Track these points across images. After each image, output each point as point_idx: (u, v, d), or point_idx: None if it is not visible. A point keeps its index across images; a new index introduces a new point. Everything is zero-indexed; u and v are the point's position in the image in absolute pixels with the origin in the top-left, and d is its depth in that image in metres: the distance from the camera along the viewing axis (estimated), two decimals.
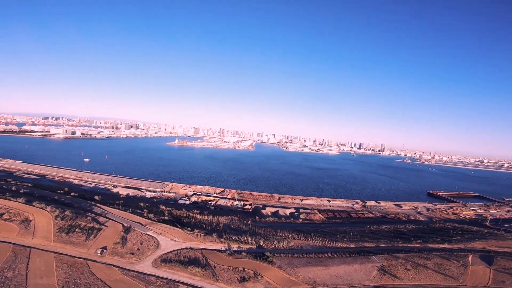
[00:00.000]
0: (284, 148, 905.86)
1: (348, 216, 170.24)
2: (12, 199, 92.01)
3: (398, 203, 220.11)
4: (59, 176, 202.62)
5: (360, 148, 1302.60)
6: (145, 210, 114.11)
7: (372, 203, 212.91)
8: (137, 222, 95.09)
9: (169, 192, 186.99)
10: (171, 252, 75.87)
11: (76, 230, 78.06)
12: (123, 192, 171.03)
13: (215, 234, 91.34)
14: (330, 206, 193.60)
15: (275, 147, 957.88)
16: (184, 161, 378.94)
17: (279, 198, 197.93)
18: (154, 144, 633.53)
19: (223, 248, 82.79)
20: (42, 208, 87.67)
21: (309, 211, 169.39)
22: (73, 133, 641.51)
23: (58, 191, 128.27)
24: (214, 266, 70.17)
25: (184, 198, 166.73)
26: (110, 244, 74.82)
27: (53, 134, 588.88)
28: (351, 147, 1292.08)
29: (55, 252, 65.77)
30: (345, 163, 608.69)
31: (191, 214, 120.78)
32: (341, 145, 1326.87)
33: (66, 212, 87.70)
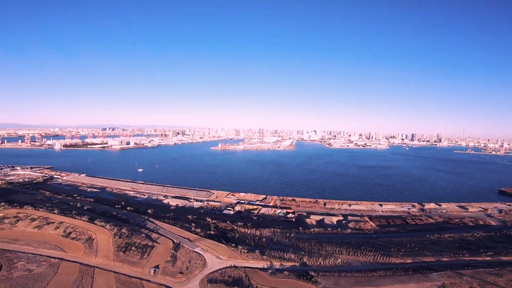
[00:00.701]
0: (327, 145, 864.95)
1: (404, 222, 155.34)
2: (77, 217, 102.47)
3: (463, 204, 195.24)
4: (117, 189, 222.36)
5: (412, 140, 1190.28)
6: (192, 224, 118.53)
7: (432, 205, 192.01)
8: (186, 238, 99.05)
9: (214, 201, 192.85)
10: (217, 271, 77.11)
11: (132, 248, 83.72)
12: (173, 202, 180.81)
13: (258, 250, 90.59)
14: (382, 211, 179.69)
15: (317, 145, 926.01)
16: (227, 166, 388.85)
17: (325, 204, 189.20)
18: (199, 150, 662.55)
19: (266, 266, 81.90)
20: (102, 226, 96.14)
21: (358, 218, 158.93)
22: (128, 143, 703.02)
23: (116, 206, 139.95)
24: (256, 287, 69.49)
25: (229, 208, 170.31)
26: (162, 263, 78.59)
27: (111, 146, 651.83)
28: (402, 139, 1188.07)
29: (114, 272, 71.26)
30: (396, 158, 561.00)
31: (235, 227, 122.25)
32: (391, 137, 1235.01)
33: (123, 230, 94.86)
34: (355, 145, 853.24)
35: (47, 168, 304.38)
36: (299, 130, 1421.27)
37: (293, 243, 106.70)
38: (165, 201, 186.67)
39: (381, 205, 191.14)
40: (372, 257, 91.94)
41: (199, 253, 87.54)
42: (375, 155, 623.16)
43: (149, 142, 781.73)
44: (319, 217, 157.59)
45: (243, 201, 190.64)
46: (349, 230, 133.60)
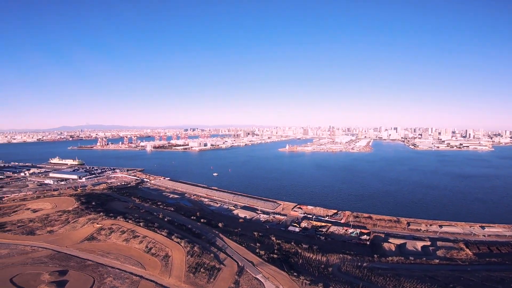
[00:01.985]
0: (412, 146, 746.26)
1: None
2: (158, 231, 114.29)
3: None
4: (194, 195, 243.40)
5: None
6: (257, 244, 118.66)
7: None
8: (250, 261, 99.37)
9: (280, 214, 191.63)
10: None
11: (201, 270, 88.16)
12: (242, 214, 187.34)
13: (321, 284, 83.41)
14: (484, 235, 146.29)
15: (399, 145, 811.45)
16: (294, 172, 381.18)
17: (408, 224, 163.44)
18: (267, 151, 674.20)
19: None
20: (178, 243, 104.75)
21: (450, 244, 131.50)
22: (205, 145, 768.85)
23: (192, 217, 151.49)
24: None
25: (294, 224, 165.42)
26: None
27: (191, 147, 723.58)
28: None
29: None
30: (506, 165, 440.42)
31: (299, 250, 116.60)
32: (495, 135, 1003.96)
33: (195, 248, 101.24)
34: (447, 146, 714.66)
35: (139, 171, 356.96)
36: (376, 128, 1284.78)
37: (364, 275, 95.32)
38: (235, 211, 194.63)
39: (483, 227, 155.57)
40: None
41: (260, 280, 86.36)
42: (475, 159, 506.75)
43: (223, 143, 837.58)
44: (400, 241, 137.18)
45: (311, 216, 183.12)
46: (437, 261, 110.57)
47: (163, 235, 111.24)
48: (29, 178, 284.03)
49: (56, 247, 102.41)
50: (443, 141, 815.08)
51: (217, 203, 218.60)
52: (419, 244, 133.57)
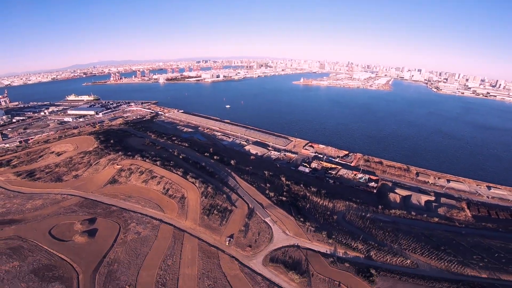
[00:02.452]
0: (435, 89, 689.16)
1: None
2: (174, 170, 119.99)
3: None
4: (207, 128, 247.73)
5: None
6: (267, 184, 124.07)
7: None
8: (259, 203, 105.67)
9: (291, 151, 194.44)
10: (280, 249, 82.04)
11: (214, 212, 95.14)
12: (253, 150, 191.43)
13: (325, 232, 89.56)
14: (488, 196, 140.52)
15: (421, 87, 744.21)
16: (307, 106, 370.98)
17: (417, 174, 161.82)
18: (280, 84, 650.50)
19: (329, 252, 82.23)
20: (193, 183, 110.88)
21: (453, 202, 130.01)
22: (217, 76, 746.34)
23: (205, 154, 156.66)
24: (312, 274, 71.98)
25: (305, 164, 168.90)
26: (236, 232, 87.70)
27: (203, 79, 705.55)
28: None
29: (198, 238, 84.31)
30: None
31: (307, 194, 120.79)
32: None
33: (209, 189, 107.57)
34: (472, 93, 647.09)
35: (154, 103, 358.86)
36: (398, 67, 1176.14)
37: (366, 226, 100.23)
38: (247, 147, 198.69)
39: (489, 187, 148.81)
40: (445, 264, 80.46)
41: (268, 224, 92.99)
42: (502, 110, 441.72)
43: (236, 75, 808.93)
44: (405, 193, 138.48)
45: (321, 155, 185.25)
46: (436, 219, 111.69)
47: (178, 174, 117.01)
48: (49, 117, 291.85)
49: (83, 193, 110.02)
50: (470, 88, 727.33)
51: (229, 138, 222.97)
52: (423, 198, 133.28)
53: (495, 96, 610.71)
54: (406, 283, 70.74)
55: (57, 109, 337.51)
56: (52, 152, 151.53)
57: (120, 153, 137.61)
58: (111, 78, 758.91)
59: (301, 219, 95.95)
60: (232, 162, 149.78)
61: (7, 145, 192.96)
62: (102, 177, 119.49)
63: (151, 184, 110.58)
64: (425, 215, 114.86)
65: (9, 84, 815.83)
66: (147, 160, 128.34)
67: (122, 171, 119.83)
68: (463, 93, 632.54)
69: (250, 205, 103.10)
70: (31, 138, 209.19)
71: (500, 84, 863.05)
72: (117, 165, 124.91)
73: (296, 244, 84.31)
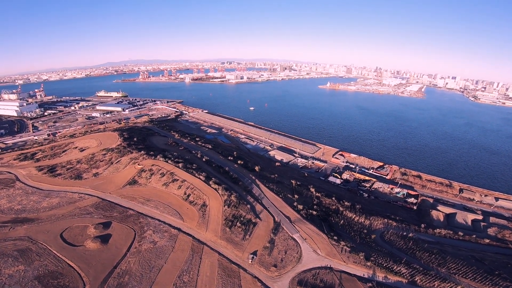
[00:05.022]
0: (472, 99, 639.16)
1: None
2: (196, 174, 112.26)
3: None
4: (231, 130, 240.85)
5: None
6: (295, 196, 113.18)
7: None
8: (286, 216, 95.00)
9: (320, 159, 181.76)
10: (310, 270, 71.16)
11: (237, 224, 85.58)
12: (278, 156, 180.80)
13: (363, 253, 77.38)
14: None
15: (457, 96, 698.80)
16: (335, 112, 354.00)
17: (461, 191, 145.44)
18: (305, 88, 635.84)
19: (366, 276, 70.42)
20: (215, 190, 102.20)
21: (504, 222, 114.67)
22: (241, 78, 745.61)
23: (229, 157, 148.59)
24: None
25: (335, 174, 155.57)
26: (260, 249, 77.37)
27: (228, 80, 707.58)
28: None
29: (219, 253, 74.81)
30: None
31: (340, 209, 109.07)
32: None
33: (232, 197, 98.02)
34: None
35: (179, 103, 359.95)
36: (431, 74, 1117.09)
37: (408, 247, 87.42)
38: (271, 152, 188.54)
39: None
40: None
41: (296, 241, 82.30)
42: None
43: (259, 76, 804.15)
44: (449, 210, 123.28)
45: (353, 166, 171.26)
46: (487, 240, 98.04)
47: (201, 179, 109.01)
48: (78, 112, 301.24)
49: (101, 193, 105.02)
50: (511, 98, 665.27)
51: (253, 141, 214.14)
52: (469, 217, 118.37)
53: None
54: None
55: (87, 104, 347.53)
56: (76, 147, 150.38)
57: (142, 151, 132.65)
58: (140, 76, 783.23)
59: (335, 237, 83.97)
60: (256, 168, 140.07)
61: (36, 138, 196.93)
62: (122, 177, 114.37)
63: (171, 188, 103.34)
64: (474, 236, 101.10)
65: (47, 79, 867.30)
66: (169, 161, 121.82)
67: (143, 172, 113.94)
68: (504, 103, 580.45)
69: (276, 218, 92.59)
70: (59, 132, 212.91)
71: None
72: (138, 165, 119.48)
73: (328, 265, 73.04)
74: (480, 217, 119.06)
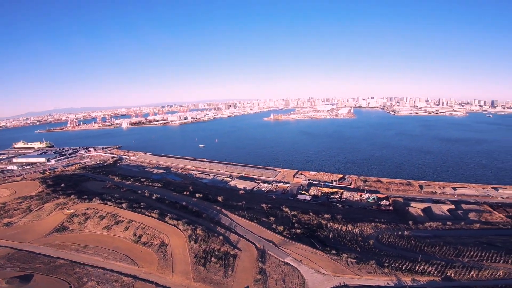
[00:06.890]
0: (392, 112, 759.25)
1: None
2: (147, 213, 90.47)
3: None
4: (181, 168, 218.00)
5: (494, 107, 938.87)
6: (271, 218, 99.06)
7: None
8: (269, 241, 79.85)
9: (282, 182, 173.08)
10: None
11: (212, 259, 67.12)
12: (240, 185, 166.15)
13: (373, 260, 66.53)
14: (502, 197, 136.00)
15: (380, 112, 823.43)
16: (284, 139, 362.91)
17: (422, 187, 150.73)
18: (252, 121, 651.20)
19: (392, 284, 59.09)
20: (175, 225, 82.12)
21: (476, 207, 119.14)
22: (185, 118, 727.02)
23: (185, 192, 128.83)
24: None
25: (303, 192, 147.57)
26: (251, 284, 60.20)
27: (171, 122, 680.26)
28: (481, 106, 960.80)
29: None
30: (487, 129, 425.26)
31: (322, 222, 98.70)
32: (465, 103, 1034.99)
33: (198, 231, 79.11)
34: (425, 112, 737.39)
35: (116, 148, 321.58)
36: (354, 98, 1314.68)
37: (413, 245, 80.00)
38: (232, 183, 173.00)
39: (496, 189, 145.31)
40: None
41: (292, 265, 67.59)
42: (455, 124, 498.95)
43: (205, 116, 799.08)
44: (422, 205, 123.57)
45: (316, 182, 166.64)
46: (478, 225, 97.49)
47: (153, 217, 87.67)
48: None
49: (16, 243, 77.84)
50: (420, 108, 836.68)
51: (209, 175, 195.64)
52: (444, 208, 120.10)
53: (444, 112, 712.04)
54: None
55: (0, 157, 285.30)
56: None
57: (72, 196, 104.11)
58: (69, 125, 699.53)
59: (333, 251, 71.68)
60: (219, 198, 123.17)
61: None
62: (45, 223, 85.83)
63: (115, 231, 79.11)
64: (463, 223, 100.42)
65: None
66: (109, 203, 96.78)
67: (75, 217, 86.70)
68: (417, 113, 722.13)
69: (258, 245, 76.39)
70: None
71: (442, 102, 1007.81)
72: (68, 209, 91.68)
73: (342, 284, 59.60)
74: (453, 206, 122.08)
